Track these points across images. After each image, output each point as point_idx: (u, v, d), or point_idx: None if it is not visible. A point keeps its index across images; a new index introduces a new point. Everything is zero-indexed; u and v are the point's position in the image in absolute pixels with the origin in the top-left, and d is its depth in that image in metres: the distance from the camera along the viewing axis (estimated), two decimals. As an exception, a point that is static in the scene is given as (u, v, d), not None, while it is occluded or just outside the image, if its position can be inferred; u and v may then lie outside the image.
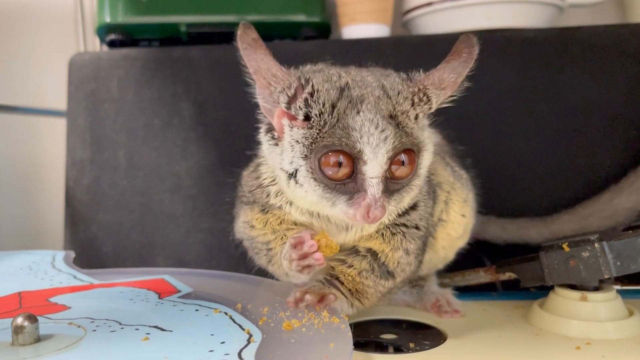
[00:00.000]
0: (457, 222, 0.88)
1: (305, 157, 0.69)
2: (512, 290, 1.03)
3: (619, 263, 0.80)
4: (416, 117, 0.70)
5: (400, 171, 0.69)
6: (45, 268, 1.02)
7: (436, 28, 1.33)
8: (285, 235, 0.80)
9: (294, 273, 0.77)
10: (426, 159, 0.73)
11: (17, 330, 0.67)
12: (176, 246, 1.28)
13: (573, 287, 0.85)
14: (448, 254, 0.92)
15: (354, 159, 0.67)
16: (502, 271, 0.94)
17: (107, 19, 1.32)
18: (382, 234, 0.79)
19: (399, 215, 0.79)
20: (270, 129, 0.75)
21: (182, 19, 1.33)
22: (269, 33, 1.37)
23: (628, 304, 0.87)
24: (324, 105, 0.67)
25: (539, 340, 0.80)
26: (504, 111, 1.26)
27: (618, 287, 1.01)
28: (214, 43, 1.31)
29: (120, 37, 1.34)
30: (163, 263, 1.27)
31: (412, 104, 0.69)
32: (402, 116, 0.68)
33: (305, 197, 0.72)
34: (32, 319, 0.67)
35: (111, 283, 0.93)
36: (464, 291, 1.00)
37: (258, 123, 0.79)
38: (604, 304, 0.83)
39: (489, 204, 1.04)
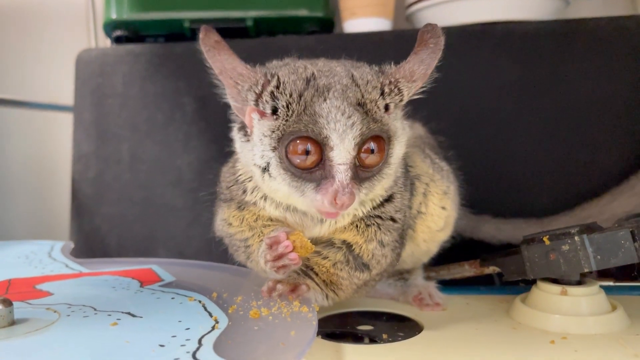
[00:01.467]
0: (437, 215, 0.87)
1: (274, 149, 0.69)
2: (508, 284, 1.01)
3: (599, 257, 0.78)
4: (386, 108, 0.70)
5: (370, 159, 0.69)
6: (41, 257, 1.05)
7: (439, 21, 1.30)
8: (262, 233, 0.80)
9: (271, 271, 0.78)
10: (398, 148, 0.73)
11: (-8, 313, 0.69)
12: (177, 238, 1.30)
13: (556, 281, 0.84)
14: (430, 247, 0.91)
15: (322, 146, 0.67)
16: (486, 265, 0.92)
17: (113, 16, 1.35)
18: (357, 226, 0.79)
19: (374, 208, 0.79)
20: (242, 127, 0.76)
21: (186, 15, 1.35)
22: (272, 28, 1.38)
23: (617, 300, 0.85)
24: (290, 95, 0.68)
25: (515, 334, 0.79)
26: (504, 106, 1.24)
27: (611, 283, 0.99)
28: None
29: (126, 33, 1.37)
30: (164, 255, 1.29)
31: (382, 94, 0.69)
32: (371, 104, 0.69)
33: (279, 189, 0.72)
34: (7, 302, 0.70)
35: (99, 272, 0.95)
36: (452, 285, 0.99)
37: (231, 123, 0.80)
38: (585, 299, 0.81)
39: (485, 202, 1.03)
